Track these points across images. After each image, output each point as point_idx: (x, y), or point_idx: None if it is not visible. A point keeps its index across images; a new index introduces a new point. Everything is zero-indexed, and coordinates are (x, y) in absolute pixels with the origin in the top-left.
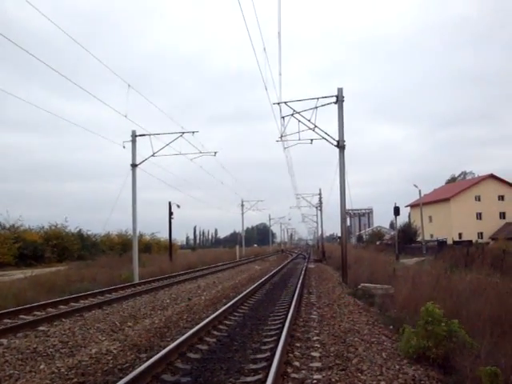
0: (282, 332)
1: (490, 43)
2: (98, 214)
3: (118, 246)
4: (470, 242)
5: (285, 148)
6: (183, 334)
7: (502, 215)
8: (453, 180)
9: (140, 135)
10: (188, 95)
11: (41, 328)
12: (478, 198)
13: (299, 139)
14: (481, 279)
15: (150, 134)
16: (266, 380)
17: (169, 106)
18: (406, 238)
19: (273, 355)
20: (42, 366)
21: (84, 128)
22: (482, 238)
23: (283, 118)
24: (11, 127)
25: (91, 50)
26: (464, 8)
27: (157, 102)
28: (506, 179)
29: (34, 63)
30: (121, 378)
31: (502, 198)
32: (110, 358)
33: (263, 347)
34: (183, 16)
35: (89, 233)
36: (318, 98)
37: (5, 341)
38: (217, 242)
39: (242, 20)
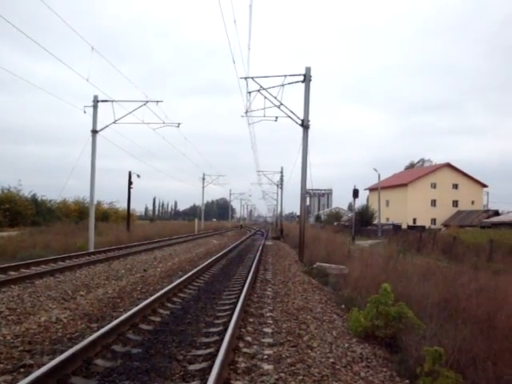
0: (235, 307)
1: (465, 35)
2: (54, 180)
3: (75, 214)
4: (424, 227)
5: (249, 124)
6: (137, 305)
7: (455, 203)
8: (411, 166)
9: (102, 101)
10: (157, 64)
11: None
12: (433, 186)
13: (264, 116)
14: (431, 263)
15: (112, 101)
16: (217, 354)
17: (137, 73)
18: (363, 220)
19: (225, 329)
20: None
21: (47, 91)
22: (435, 224)
23: (249, 93)
24: None
25: (59, 8)
26: None
27: (124, 68)
28: (462, 169)
29: None
30: (69, 347)
31: (456, 186)
32: (59, 326)
33: (216, 321)
34: None
35: (44, 198)
36: (285, 76)
37: None
38: (176, 215)
39: None
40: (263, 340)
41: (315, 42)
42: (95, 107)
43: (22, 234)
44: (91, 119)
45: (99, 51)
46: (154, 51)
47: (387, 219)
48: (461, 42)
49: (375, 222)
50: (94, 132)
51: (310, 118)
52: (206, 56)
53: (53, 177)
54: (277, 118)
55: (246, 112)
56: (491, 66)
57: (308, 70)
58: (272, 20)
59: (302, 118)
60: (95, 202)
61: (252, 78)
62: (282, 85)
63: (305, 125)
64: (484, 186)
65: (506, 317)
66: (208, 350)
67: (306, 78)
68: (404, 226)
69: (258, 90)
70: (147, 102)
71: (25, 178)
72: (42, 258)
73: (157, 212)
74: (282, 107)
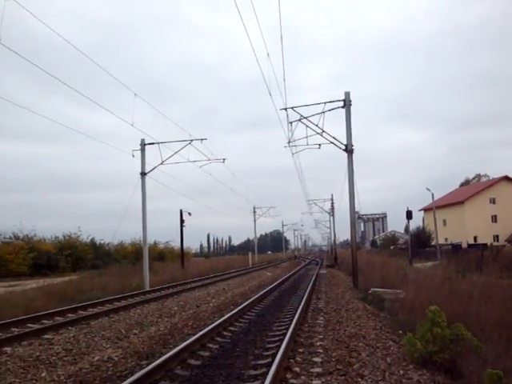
0: (284, 338)
1: (509, 43)
2: (110, 224)
3: (132, 255)
4: (485, 245)
5: (293, 153)
6: (186, 341)
7: None
8: (467, 183)
9: (149, 144)
10: (202, 103)
11: (46, 336)
12: (492, 201)
13: (307, 144)
14: (492, 282)
15: (158, 143)
16: None
17: (183, 114)
18: (420, 242)
19: (273, 361)
20: (43, 374)
21: (101, 141)
22: (497, 240)
23: (291, 123)
24: (26, 138)
25: (111, 59)
26: (483, 8)
27: (172, 111)
28: None
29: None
30: None
31: None
32: (110, 365)
33: (265, 353)
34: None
35: (102, 242)
36: (325, 103)
37: (9, 349)
38: (231, 250)
39: (255, 27)
40: (312, 370)
41: (354, 66)
42: (143, 150)
43: (82, 278)
44: (139, 162)
45: (142, 97)
46: (199, 91)
47: (446, 239)
48: (506, 49)
49: (433, 243)
50: (143, 174)
51: (353, 143)
52: (249, 91)
53: (108, 220)
54: (320, 145)
55: (289, 142)
56: None
57: (347, 94)
58: (314, 48)
59: (345, 143)
60: (151, 242)
61: (292, 108)
62: (323, 112)
63: (348, 149)
64: None
65: None
66: (255, 383)
67: (346, 103)
68: (464, 245)
69: (299, 120)
70: (192, 140)
71: (82, 223)
72: (99, 299)
73: (212, 248)
74: (324, 134)
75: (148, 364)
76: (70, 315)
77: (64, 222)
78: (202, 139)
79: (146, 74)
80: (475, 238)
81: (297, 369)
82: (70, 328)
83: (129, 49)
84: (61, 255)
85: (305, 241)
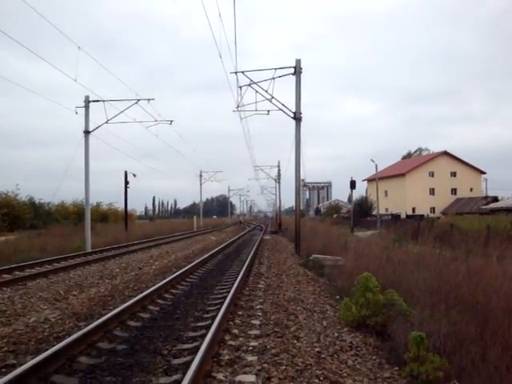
0: (224, 301)
1: (462, 23)
2: (50, 183)
3: (74, 216)
4: (422, 216)
5: (241, 118)
6: (126, 302)
7: (454, 191)
8: (409, 156)
9: (93, 101)
10: (151, 62)
11: None
12: (431, 174)
13: (256, 110)
14: (425, 251)
15: (103, 100)
16: (200, 346)
17: (131, 72)
18: (362, 211)
19: (212, 323)
20: None
21: (41, 95)
22: (434, 212)
23: (240, 88)
24: None
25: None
26: None
27: (120, 69)
28: (460, 156)
29: None
30: (54, 346)
31: (454, 174)
32: (46, 326)
33: (205, 315)
34: None
35: (42, 201)
36: (275, 69)
37: None
38: (176, 213)
39: None
40: (250, 332)
41: (308, 34)
42: (87, 107)
43: (20, 238)
44: (83, 120)
45: (88, 51)
46: (149, 50)
47: (386, 209)
48: (460, 30)
49: (374, 212)
50: (87, 132)
51: (303, 111)
52: (200, 53)
53: (50, 180)
54: (269, 111)
55: (238, 107)
56: (491, 54)
57: (298, 62)
58: (273, 13)
59: (294, 110)
60: (94, 204)
61: (242, 72)
62: (273, 78)
63: (297, 117)
64: (482, 172)
65: (487, 297)
66: (194, 344)
67: (297, 71)
68: (403, 216)
69: (249, 85)
70: (139, 100)
71: (22, 181)
72: (37, 260)
73: (157, 211)
74: (273, 101)
75: (86, 325)
76: (5, 276)
77: (1, 180)
78: (149, 99)
79: (93, 27)
80: (414, 210)
81: (235, 331)
82: (4, 289)
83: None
84: None
85: (250, 206)
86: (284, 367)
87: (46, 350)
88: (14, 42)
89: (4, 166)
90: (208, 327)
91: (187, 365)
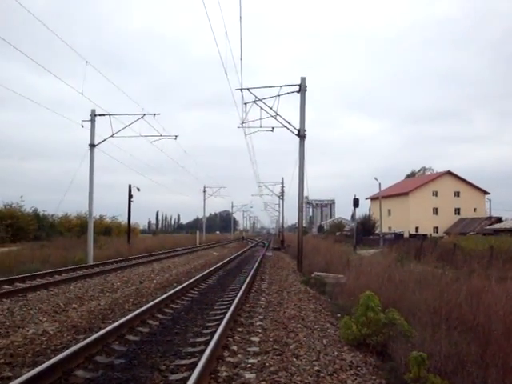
0: (224, 317)
1: (468, 45)
2: (55, 195)
3: (77, 228)
4: (425, 235)
5: (246, 135)
6: (125, 316)
7: (457, 211)
8: (412, 175)
9: (100, 115)
10: (158, 77)
11: None
12: (435, 194)
13: (260, 126)
14: (428, 270)
15: (109, 114)
16: (198, 362)
17: (137, 87)
18: (365, 229)
19: (211, 339)
20: None
21: (49, 108)
22: (437, 232)
23: (245, 104)
24: None
25: (65, 27)
26: (447, 7)
27: (127, 84)
28: (463, 176)
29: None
30: (51, 358)
31: (457, 194)
32: (44, 338)
33: (205, 331)
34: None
35: (45, 213)
36: (280, 86)
37: None
38: (179, 228)
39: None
40: (249, 349)
41: (314, 51)
42: (93, 121)
43: (23, 249)
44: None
45: (95, 66)
46: (156, 65)
47: (389, 228)
48: (464, 51)
49: (377, 231)
50: (92, 146)
51: (307, 128)
52: (207, 69)
53: (55, 192)
54: (273, 128)
55: (243, 123)
56: (494, 75)
57: (303, 80)
58: (280, 32)
59: (298, 127)
60: (98, 217)
61: (247, 88)
62: (278, 95)
63: (301, 134)
64: (486, 193)
65: (487, 318)
66: (192, 360)
67: (302, 88)
68: (406, 235)
69: (254, 101)
70: (144, 114)
71: (27, 193)
72: (39, 271)
73: (160, 226)
74: (278, 118)
75: (85, 338)
76: (5, 287)
77: (5, 191)
78: (154, 114)
79: (102, 42)
80: (417, 229)
81: (234, 347)
82: (4, 300)
83: (87, 15)
84: (0, 225)
85: (253, 222)
86: None
87: (43, 362)
88: (21, 55)
89: (9, 178)
90: (207, 343)
91: (184, 381)
